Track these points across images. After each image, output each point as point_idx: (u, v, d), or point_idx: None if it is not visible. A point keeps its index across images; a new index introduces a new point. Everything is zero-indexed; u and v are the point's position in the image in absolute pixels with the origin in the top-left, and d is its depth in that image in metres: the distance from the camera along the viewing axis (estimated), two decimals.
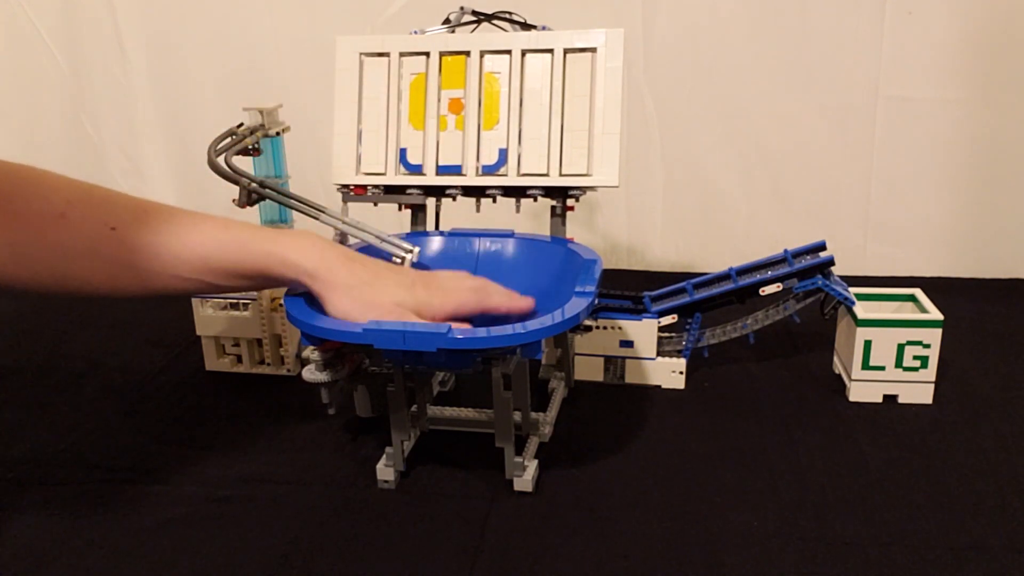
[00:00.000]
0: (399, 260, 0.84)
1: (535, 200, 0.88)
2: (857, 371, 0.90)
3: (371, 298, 0.71)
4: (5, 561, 0.70)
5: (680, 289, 0.95)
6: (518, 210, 0.89)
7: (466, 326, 0.71)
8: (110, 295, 0.72)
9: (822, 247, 0.92)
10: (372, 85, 0.90)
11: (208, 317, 1.01)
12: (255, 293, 0.98)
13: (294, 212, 0.89)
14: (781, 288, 0.93)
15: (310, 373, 0.77)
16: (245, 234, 0.73)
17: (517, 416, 0.80)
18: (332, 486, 0.79)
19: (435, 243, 0.89)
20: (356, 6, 1.29)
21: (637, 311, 0.95)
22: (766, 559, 0.67)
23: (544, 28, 0.89)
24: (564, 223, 0.89)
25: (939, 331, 0.88)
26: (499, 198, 0.89)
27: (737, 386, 0.95)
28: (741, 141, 1.28)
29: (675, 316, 0.95)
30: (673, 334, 0.97)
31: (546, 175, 0.87)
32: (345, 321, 0.71)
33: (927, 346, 0.88)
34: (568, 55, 0.87)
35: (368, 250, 0.86)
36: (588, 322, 0.94)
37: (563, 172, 0.86)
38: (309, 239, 0.74)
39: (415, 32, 0.91)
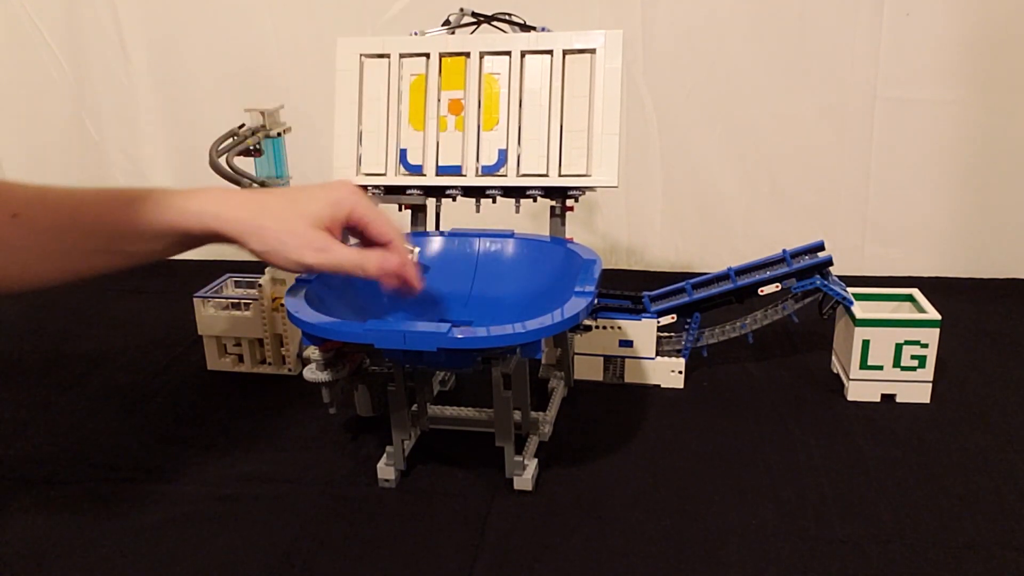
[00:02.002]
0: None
1: (535, 200, 0.88)
2: (855, 370, 0.90)
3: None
4: (7, 560, 0.70)
5: (679, 289, 0.95)
6: (518, 210, 0.89)
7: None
8: (25, 287, 0.67)
9: (820, 247, 0.93)
10: (372, 86, 0.91)
11: (209, 317, 1.01)
12: (256, 293, 0.99)
13: None
14: (780, 288, 0.93)
15: (311, 372, 0.77)
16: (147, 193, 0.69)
17: (517, 415, 0.80)
18: (333, 485, 0.79)
19: (435, 243, 0.90)
20: (357, 8, 1.29)
21: (636, 311, 0.95)
22: (765, 557, 0.67)
23: (543, 29, 0.89)
24: (564, 223, 0.89)
25: (937, 331, 0.88)
26: (499, 198, 0.89)
27: (736, 386, 0.96)
28: (740, 141, 1.28)
29: (674, 316, 0.95)
30: (672, 334, 0.98)
31: (546, 175, 0.87)
32: (345, 321, 0.71)
33: (925, 346, 0.88)
34: (567, 56, 0.87)
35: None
36: (588, 322, 0.94)
37: (562, 172, 0.87)
38: (211, 191, 0.69)
39: (415, 33, 0.91)
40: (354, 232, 0.74)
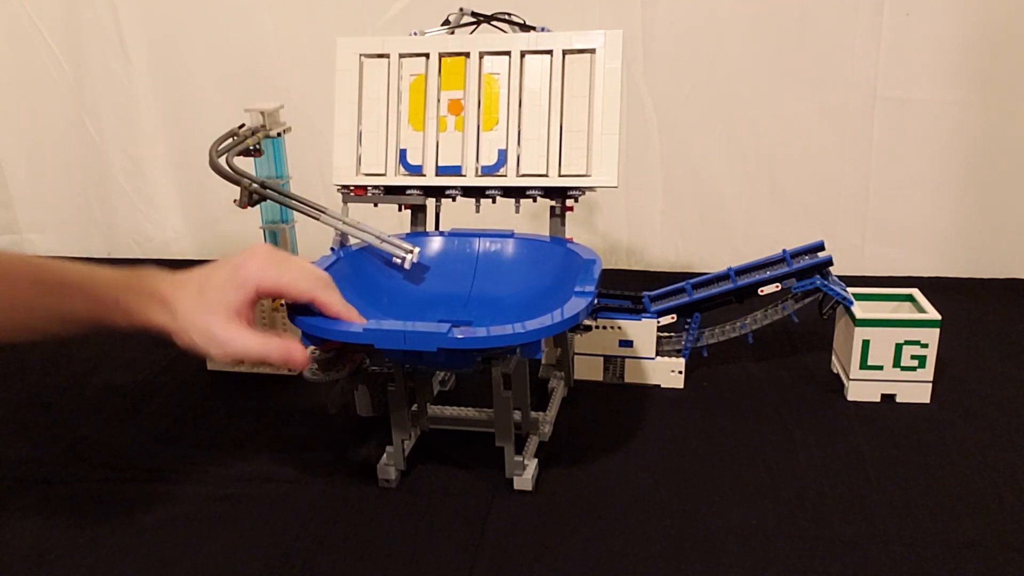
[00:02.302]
0: (400, 260, 0.85)
1: (534, 200, 0.88)
2: (855, 370, 0.90)
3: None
4: (8, 560, 0.70)
5: (679, 289, 0.95)
6: (518, 210, 0.89)
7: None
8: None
9: (820, 247, 0.93)
10: (372, 86, 0.91)
11: None
12: None
13: (295, 212, 0.90)
14: (780, 288, 0.93)
15: (311, 373, 0.77)
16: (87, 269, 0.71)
17: (517, 415, 0.80)
18: (333, 485, 0.79)
19: (435, 243, 0.90)
20: (356, 8, 1.29)
21: (636, 311, 0.95)
22: (765, 557, 0.67)
23: (543, 29, 0.89)
24: (563, 223, 0.89)
25: (937, 331, 0.88)
26: (499, 198, 0.89)
27: (736, 386, 0.96)
28: (740, 141, 1.28)
29: (674, 316, 0.95)
30: (672, 334, 0.98)
31: (545, 175, 0.87)
32: (346, 321, 0.71)
33: (925, 346, 0.88)
34: (567, 56, 0.87)
35: (368, 250, 0.87)
36: (588, 322, 0.94)
37: (562, 172, 0.87)
38: (143, 288, 0.70)
39: (415, 33, 0.91)
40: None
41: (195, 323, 0.68)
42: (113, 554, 0.71)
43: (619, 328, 0.95)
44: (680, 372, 0.95)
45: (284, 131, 0.97)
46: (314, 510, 0.75)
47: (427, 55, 0.90)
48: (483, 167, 0.88)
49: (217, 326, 0.68)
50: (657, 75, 1.26)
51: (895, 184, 1.26)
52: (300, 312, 0.72)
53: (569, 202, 0.88)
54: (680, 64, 1.25)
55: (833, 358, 0.98)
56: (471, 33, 0.91)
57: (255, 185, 0.87)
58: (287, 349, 0.69)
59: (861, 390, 0.91)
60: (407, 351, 0.68)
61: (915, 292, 0.94)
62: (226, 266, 0.71)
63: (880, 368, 0.89)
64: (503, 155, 0.88)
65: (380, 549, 0.70)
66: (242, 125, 0.94)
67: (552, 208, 0.89)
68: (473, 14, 0.92)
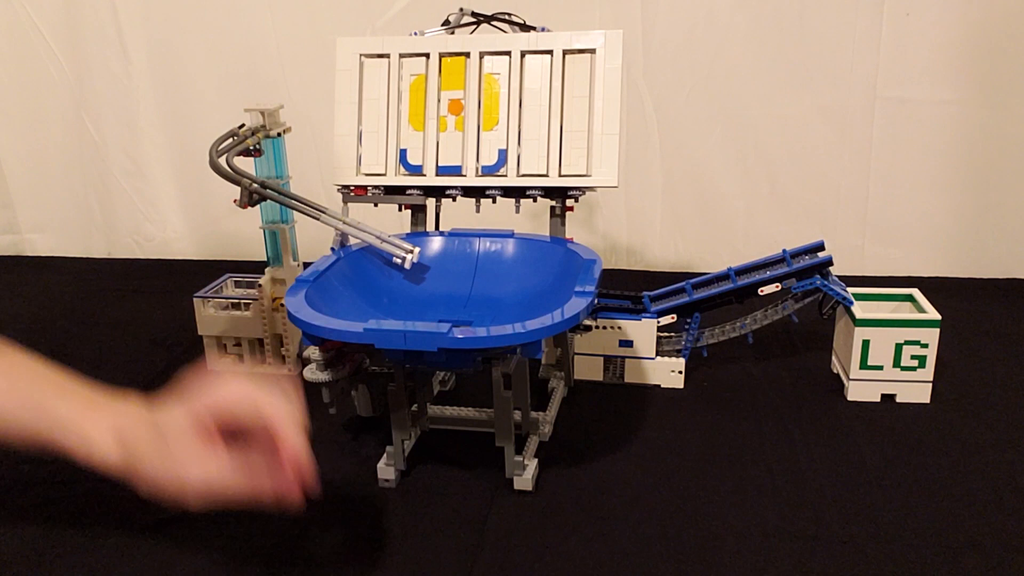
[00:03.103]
0: (400, 260, 0.85)
1: (535, 200, 0.88)
2: (855, 370, 0.90)
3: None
4: (7, 559, 0.70)
5: (679, 289, 0.95)
6: (518, 210, 0.89)
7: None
8: None
9: (820, 247, 0.93)
10: (372, 86, 0.91)
11: (210, 317, 1.01)
12: (256, 293, 0.99)
13: (295, 212, 0.90)
14: (780, 288, 0.93)
15: (311, 373, 0.77)
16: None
17: (517, 415, 0.80)
18: (333, 485, 0.79)
19: (435, 243, 0.90)
20: (356, 8, 1.29)
21: (636, 311, 0.95)
22: (764, 557, 0.67)
23: (543, 29, 0.89)
24: (564, 223, 0.89)
25: (936, 331, 0.88)
26: (499, 198, 0.89)
27: (736, 385, 0.96)
28: (740, 141, 1.28)
29: (674, 316, 0.95)
30: (672, 334, 0.98)
31: (545, 175, 0.87)
32: (346, 321, 0.71)
33: (925, 346, 0.88)
34: (567, 56, 0.87)
35: (368, 250, 0.87)
36: (588, 322, 0.94)
37: (562, 172, 0.87)
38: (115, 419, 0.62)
39: (415, 33, 0.91)
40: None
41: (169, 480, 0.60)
42: (113, 554, 0.71)
43: (619, 328, 0.95)
44: (680, 372, 0.95)
45: (284, 131, 0.97)
46: (315, 509, 0.75)
47: (427, 55, 0.90)
48: (483, 167, 0.88)
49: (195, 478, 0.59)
50: (657, 75, 1.26)
51: (895, 184, 1.26)
52: (299, 312, 0.72)
53: (569, 202, 0.88)
54: (680, 64, 1.25)
55: (833, 358, 0.98)
56: (471, 33, 0.91)
57: (255, 185, 0.87)
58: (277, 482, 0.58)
59: (861, 390, 0.91)
60: (407, 351, 0.68)
61: (915, 292, 0.94)
62: (178, 417, 0.61)
63: (880, 368, 0.89)
64: (503, 155, 0.88)
65: (380, 549, 0.70)
66: (242, 125, 0.94)
67: (552, 208, 0.89)
68: (473, 14, 0.92)
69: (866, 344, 0.89)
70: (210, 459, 0.60)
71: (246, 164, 0.91)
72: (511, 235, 0.89)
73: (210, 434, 0.60)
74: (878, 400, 0.91)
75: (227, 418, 0.59)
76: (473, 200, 0.90)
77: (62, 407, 0.63)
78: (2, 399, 0.63)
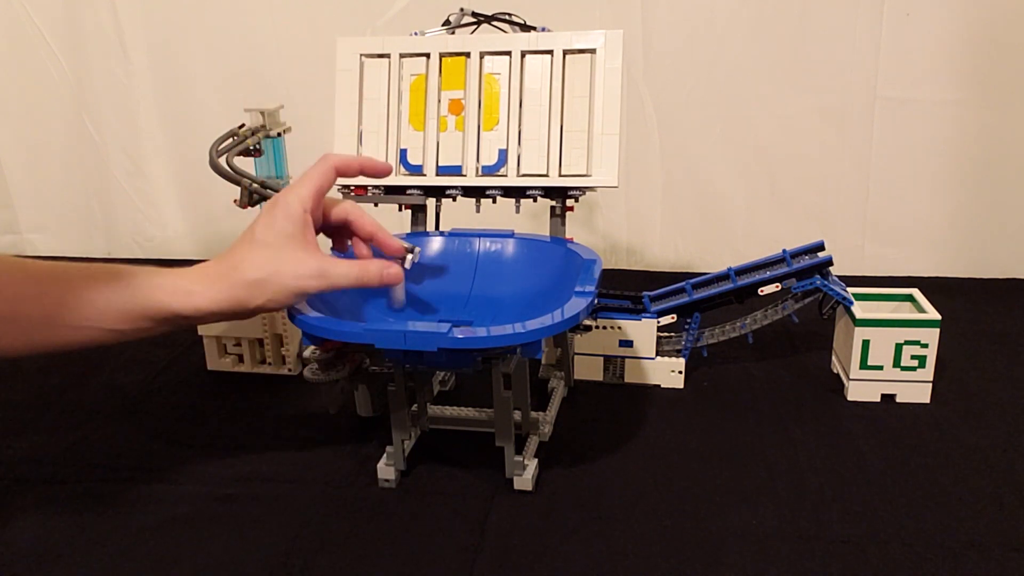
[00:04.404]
0: (400, 260, 0.85)
1: (535, 200, 0.88)
2: (855, 371, 0.90)
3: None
4: (8, 560, 0.70)
5: (679, 289, 0.95)
6: (518, 210, 0.89)
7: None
8: (25, 354, 0.66)
9: (820, 247, 0.93)
10: (373, 86, 0.91)
11: None
12: None
13: None
14: (780, 288, 0.93)
15: (311, 373, 0.77)
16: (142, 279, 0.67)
17: (517, 415, 0.80)
18: (333, 485, 0.79)
19: (435, 243, 0.90)
20: (357, 8, 1.29)
21: (636, 311, 0.95)
22: (764, 558, 0.67)
23: (544, 29, 0.89)
24: (564, 223, 0.89)
25: (937, 331, 0.88)
26: (499, 198, 0.89)
27: (736, 386, 0.96)
28: (740, 141, 1.28)
29: (674, 316, 0.95)
30: (672, 334, 0.98)
31: (546, 175, 0.87)
32: (346, 321, 0.71)
33: (925, 346, 0.88)
34: (568, 56, 0.87)
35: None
36: (588, 322, 0.94)
37: (563, 172, 0.87)
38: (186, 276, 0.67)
39: (415, 33, 0.91)
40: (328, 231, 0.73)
41: (272, 267, 0.65)
42: (114, 553, 0.71)
43: (619, 328, 0.95)
44: (680, 372, 0.95)
45: (284, 131, 0.97)
46: (314, 510, 0.75)
47: (427, 55, 0.90)
48: (483, 167, 0.89)
49: (303, 257, 0.65)
50: (657, 75, 1.26)
51: (895, 184, 1.26)
52: (299, 312, 0.72)
53: (569, 202, 0.88)
54: (680, 64, 1.25)
55: (833, 358, 0.98)
56: (471, 33, 0.91)
57: (255, 185, 0.87)
58: (383, 268, 0.69)
59: (861, 390, 0.91)
60: (407, 351, 0.68)
61: (915, 292, 0.94)
62: (259, 220, 0.68)
63: (880, 368, 0.89)
64: (503, 155, 0.88)
65: (380, 549, 0.70)
66: (242, 125, 0.94)
67: (552, 208, 0.89)
68: (473, 14, 0.92)
69: (866, 344, 0.89)
70: (315, 251, 0.66)
71: (246, 164, 0.92)
72: (511, 235, 0.89)
73: (307, 227, 0.66)
74: (878, 400, 0.91)
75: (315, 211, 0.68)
76: (473, 200, 0.90)
77: (138, 275, 0.66)
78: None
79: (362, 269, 0.69)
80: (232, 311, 0.67)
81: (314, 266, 0.66)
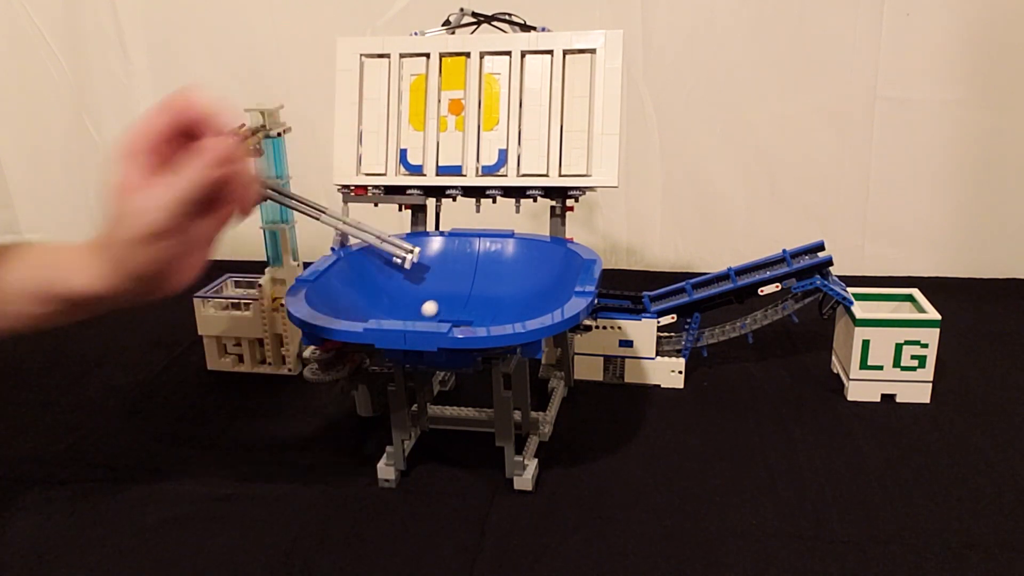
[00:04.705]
0: (400, 260, 0.85)
1: (535, 200, 0.88)
2: (855, 370, 0.90)
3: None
4: (8, 559, 0.70)
5: (679, 289, 0.95)
6: (518, 210, 0.89)
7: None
8: None
9: (820, 247, 0.93)
10: (372, 86, 0.91)
11: (210, 317, 1.01)
12: (256, 293, 0.99)
13: (295, 212, 0.90)
14: (780, 288, 0.93)
15: (311, 373, 0.77)
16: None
17: (517, 415, 0.80)
18: (333, 485, 0.79)
19: (435, 243, 0.90)
20: (357, 8, 1.29)
21: (636, 311, 0.95)
22: (764, 557, 0.67)
23: (544, 29, 0.89)
24: (564, 223, 0.89)
25: (937, 331, 0.88)
26: (499, 198, 0.89)
27: (736, 385, 0.96)
28: (740, 142, 1.28)
29: (674, 316, 0.95)
30: (672, 334, 0.98)
31: (546, 175, 0.87)
32: (346, 321, 0.71)
33: (925, 346, 0.88)
34: (568, 56, 0.87)
35: (368, 250, 0.87)
36: (588, 322, 0.94)
37: (563, 172, 0.87)
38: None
39: (415, 33, 0.91)
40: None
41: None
42: (115, 552, 0.71)
43: (619, 328, 0.95)
44: (680, 372, 0.95)
45: (284, 131, 0.97)
46: (314, 510, 0.75)
47: (427, 55, 0.90)
48: (483, 167, 0.88)
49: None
50: (657, 75, 1.26)
51: (895, 184, 1.26)
52: (299, 312, 0.72)
53: (569, 202, 0.88)
54: (680, 64, 1.25)
55: (833, 358, 0.98)
56: (471, 33, 0.91)
57: None
58: (212, 149, 0.56)
59: (861, 390, 0.91)
60: (407, 351, 0.68)
61: (915, 292, 0.94)
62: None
63: (880, 368, 0.89)
64: (503, 155, 0.88)
65: (380, 549, 0.70)
66: (242, 125, 0.94)
67: (552, 208, 0.89)
68: (474, 14, 0.92)
69: (866, 344, 0.89)
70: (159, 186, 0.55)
71: None
72: (511, 235, 0.89)
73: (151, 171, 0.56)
74: (878, 400, 0.91)
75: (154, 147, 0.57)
76: (473, 200, 0.90)
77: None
78: None
79: (193, 169, 0.56)
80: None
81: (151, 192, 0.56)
